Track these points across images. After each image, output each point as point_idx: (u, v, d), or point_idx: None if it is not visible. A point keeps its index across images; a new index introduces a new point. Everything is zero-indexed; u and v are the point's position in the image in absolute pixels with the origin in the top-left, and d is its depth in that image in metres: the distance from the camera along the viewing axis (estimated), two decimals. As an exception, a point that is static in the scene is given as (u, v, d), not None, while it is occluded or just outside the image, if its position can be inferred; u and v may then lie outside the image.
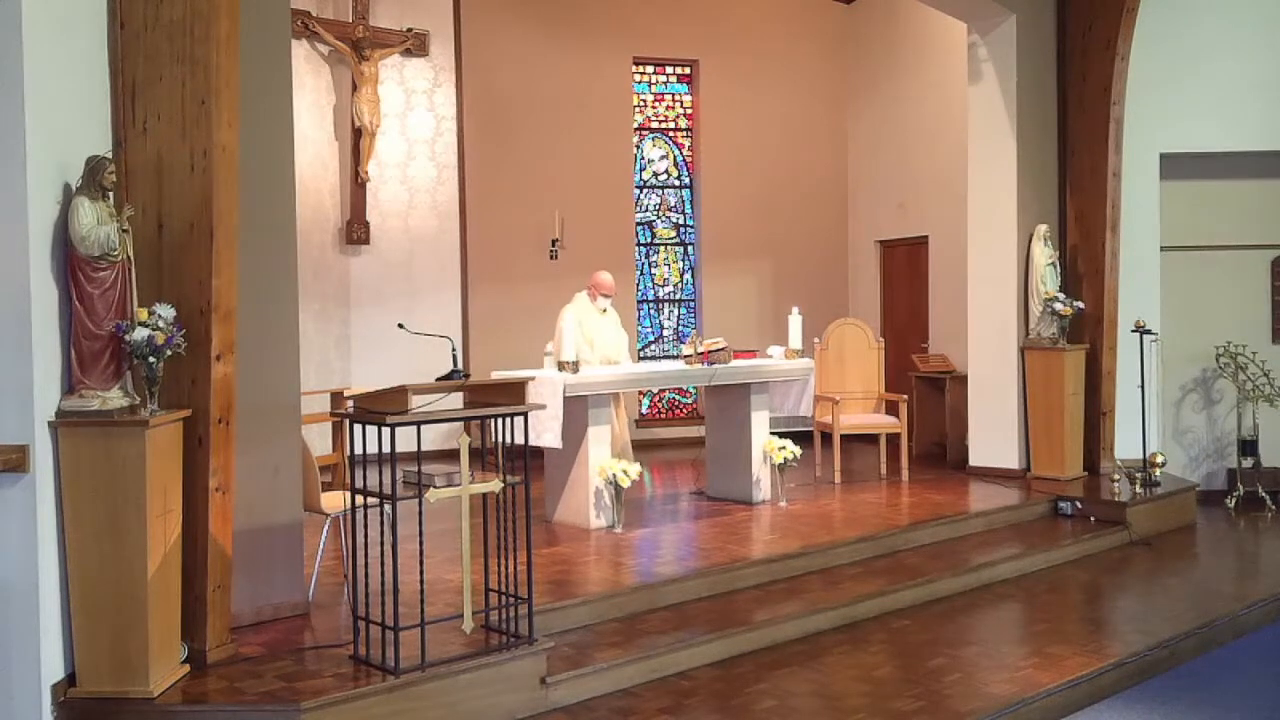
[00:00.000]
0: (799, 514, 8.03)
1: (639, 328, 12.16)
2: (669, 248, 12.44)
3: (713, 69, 12.28)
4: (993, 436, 9.46)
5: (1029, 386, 9.17)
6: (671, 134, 12.45)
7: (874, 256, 12.26)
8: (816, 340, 9.75)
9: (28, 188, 4.36)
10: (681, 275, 12.49)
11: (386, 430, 4.78)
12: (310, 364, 9.33)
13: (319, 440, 8.83)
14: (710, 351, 8.17)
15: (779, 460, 8.22)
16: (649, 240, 12.35)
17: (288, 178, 5.66)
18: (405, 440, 4.81)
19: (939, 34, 10.89)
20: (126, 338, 4.54)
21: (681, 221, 12.47)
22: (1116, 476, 8.95)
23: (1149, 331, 8.95)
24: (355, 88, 10.46)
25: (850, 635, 6.16)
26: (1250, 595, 6.99)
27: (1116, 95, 9.04)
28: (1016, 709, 5.12)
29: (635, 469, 7.50)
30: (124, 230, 4.59)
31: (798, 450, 8.24)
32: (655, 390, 12.01)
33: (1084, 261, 9.35)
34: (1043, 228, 9.17)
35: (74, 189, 4.58)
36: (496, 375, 7.16)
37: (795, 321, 8.73)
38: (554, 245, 11.29)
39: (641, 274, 12.26)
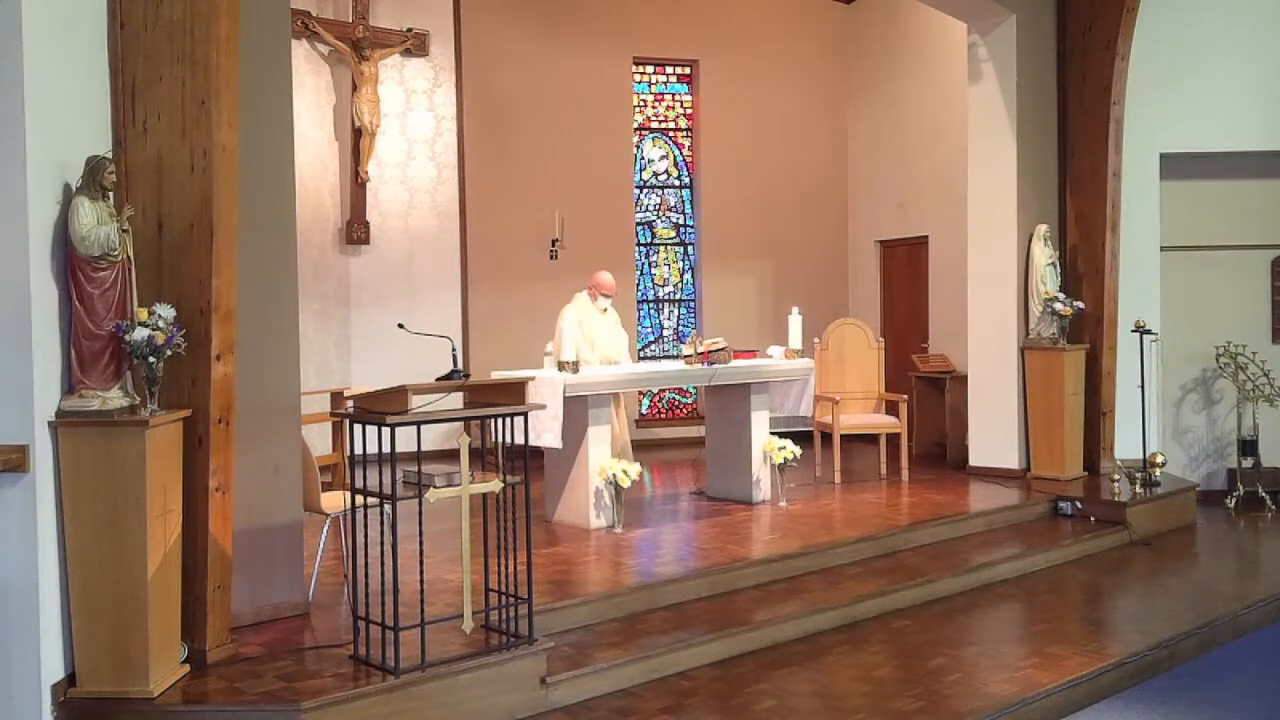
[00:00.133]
0: (799, 514, 8.03)
1: (639, 328, 12.16)
2: (669, 248, 12.44)
3: (713, 69, 12.28)
4: (993, 436, 9.46)
5: (1029, 386, 9.17)
6: (671, 134, 12.45)
7: (874, 256, 12.26)
8: (816, 340, 9.75)
9: (28, 188, 4.36)
10: (681, 275, 12.49)
11: (386, 430, 4.78)
12: (310, 364, 9.34)
13: (319, 440, 8.83)
14: (710, 351, 8.17)
15: (779, 460, 8.22)
16: (649, 240, 12.35)
17: (288, 178, 5.66)
18: (405, 440, 4.81)
19: (939, 34, 10.89)
20: (126, 338, 4.54)
21: (681, 221, 12.47)
22: (1116, 476, 8.95)
23: (1149, 331, 8.95)
24: (355, 88, 10.46)
25: (850, 635, 6.16)
26: (1250, 595, 6.99)
27: (1116, 95, 9.04)
28: (1016, 709, 5.12)
29: (635, 469, 7.50)
30: (124, 230, 4.58)
31: (798, 450, 8.24)
32: (655, 390, 12.02)
33: (1084, 261, 9.35)
34: (1043, 228, 9.17)
35: (74, 189, 4.58)
36: (496, 375, 7.16)
37: (795, 321, 8.73)
38: (554, 245, 11.29)
39: (641, 274, 12.26)
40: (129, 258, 4.64)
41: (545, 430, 7.27)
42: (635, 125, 12.18)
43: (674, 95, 12.44)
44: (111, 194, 4.65)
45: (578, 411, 7.51)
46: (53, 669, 4.50)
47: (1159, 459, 8.92)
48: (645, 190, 12.34)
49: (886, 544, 7.44)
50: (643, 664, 5.45)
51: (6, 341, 4.38)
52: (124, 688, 4.55)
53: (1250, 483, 9.49)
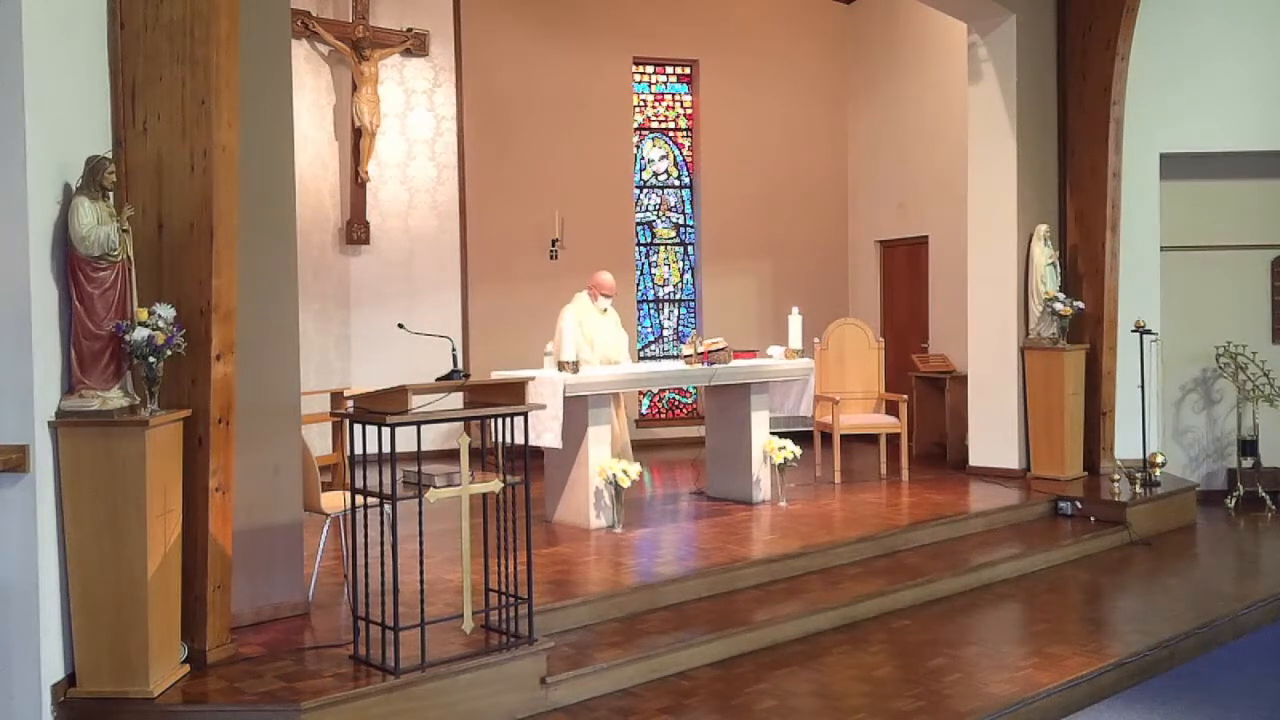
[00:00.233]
0: (799, 514, 8.03)
1: (639, 328, 12.16)
2: (669, 248, 12.44)
3: (713, 69, 12.28)
4: (993, 436, 9.46)
5: (1029, 386, 9.17)
6: (671, 134, 12.45)
7: (874, 256, 12.26)
8: (816, 340, 9.75)
9: (28, 188, 4.36)
10: (681, 275, 12.49)
11: (386, 430, 4.78)
12: (310, 364, 9.34)
13: (319, 440, 8.83)
14: (710, 351, 8.17)
15: (779, 460, 8.22)
16: (649, 240, 12.35)
17: (288, 178, 5.66)
18: (405, 440, 4.81)
19: (939, 34, 10.89)
20: (126, 338, 4.54)
21: (681, 221, 12.47)
22: (1116, 476, 8.95)
23: (1149, 331, 8.95)
24: (355, 88, 10.46)
25: (850, 635, 6.16)
26: (1250, 595, 6.99)
27: (1116, 95, 9.04)
28: (1016, 709, 5.12)
29: (635, 469, 7.50)
30: (124, 230, 4.58)
31: (798, 450, 8.24)
32: (655, 390, 12.01)
33: (1084, 261, 9.35)
34: (1043, 228, 9.17)
35: (74, 189, 4.58)
36: (496, 375, 7.16)
37: (795, 321, 8.73)
38: (554, 245, 11.29)
39: (641, 274, 12.26)
40: (129, 258, 4.64)
41: (545, 430, 7.28)
42: (635, 125, 12.18)
43: (674, 95, 12.44)
44: (111, 194, 4.65)
45: (578, 411, 7.51)
46: (53, 669, 4.50)
47: (1159, 459, 8.92)
48: (645, 190, 12.34)
49: (886, 544, 7.44)
50: (643, 664, 5.45)
51: (6, 341, 4.38)
52: (124, 688, 4.55)
53: (1250, 483, 9.49)
